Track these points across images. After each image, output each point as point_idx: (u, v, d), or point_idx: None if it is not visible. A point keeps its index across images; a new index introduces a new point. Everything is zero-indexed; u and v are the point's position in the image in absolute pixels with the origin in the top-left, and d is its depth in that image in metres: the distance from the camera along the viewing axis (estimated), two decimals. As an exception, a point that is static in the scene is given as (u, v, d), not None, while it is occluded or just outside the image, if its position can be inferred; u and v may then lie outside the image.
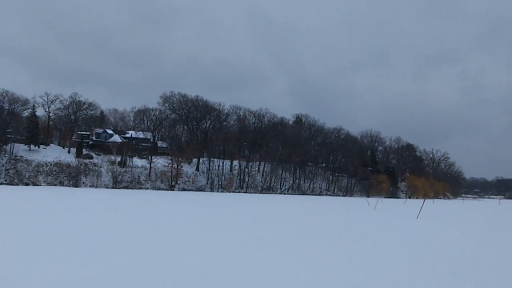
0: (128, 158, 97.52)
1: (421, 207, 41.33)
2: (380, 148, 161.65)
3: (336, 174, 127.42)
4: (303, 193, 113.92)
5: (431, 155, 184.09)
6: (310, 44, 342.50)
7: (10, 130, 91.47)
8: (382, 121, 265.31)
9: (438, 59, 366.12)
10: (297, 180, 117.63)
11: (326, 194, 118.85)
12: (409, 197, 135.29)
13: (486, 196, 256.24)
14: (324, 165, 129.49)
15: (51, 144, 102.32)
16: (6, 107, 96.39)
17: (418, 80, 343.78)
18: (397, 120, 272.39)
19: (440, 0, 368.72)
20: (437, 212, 50.86)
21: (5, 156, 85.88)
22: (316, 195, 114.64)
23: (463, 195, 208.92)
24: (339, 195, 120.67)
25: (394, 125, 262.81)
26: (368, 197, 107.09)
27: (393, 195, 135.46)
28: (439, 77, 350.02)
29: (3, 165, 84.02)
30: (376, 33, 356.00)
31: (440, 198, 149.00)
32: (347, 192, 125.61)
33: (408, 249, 16.69)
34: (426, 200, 60.86)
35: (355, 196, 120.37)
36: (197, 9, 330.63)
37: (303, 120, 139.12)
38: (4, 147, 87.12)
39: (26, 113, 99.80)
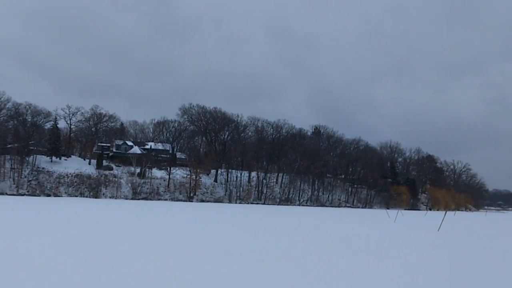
0: (147, 169, 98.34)
1: (443, 219, 40.57)
2: (399, 159, 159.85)
3: (355, 186, 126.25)
4: (322, 205, 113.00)
5: (452, 167, 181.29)
6: (329, 54, 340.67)
7: (32, 142, 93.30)
8: (402, 132, 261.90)
9: (461, 69, 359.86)
10: (315, 192, 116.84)
11: (345, 206, 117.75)
12: (430, 209, 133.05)
13: (510, 208, 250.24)
14: (343, 176, 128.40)
15: (72, 156, 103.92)
16: (29, 120, 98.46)
17: (439, 90, 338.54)
18: (417, 130, 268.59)
19: (462, 9, 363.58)
20: (459, 225, 49.90)
21: (27, 168, 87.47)
22: (335, 206, 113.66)
23: (486, 207, 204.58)
24: (359, 207, 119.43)
25: (414, 136, 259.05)
26: (387, 209, 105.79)
27: (413, 207, 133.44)
28: (461, 87, 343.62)
29: (25, 177, 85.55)
30: (397, 43, 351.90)
31: (462, 210, 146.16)
32: (367, 204, 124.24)
33: (430, 262, 16.36)
34: (448, 212, 59.77)
35: (375, 208, 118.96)
36: (216, 21, 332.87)
37: (322, 131, 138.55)
38: (27, 158, 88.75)
39: (48, 125, 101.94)
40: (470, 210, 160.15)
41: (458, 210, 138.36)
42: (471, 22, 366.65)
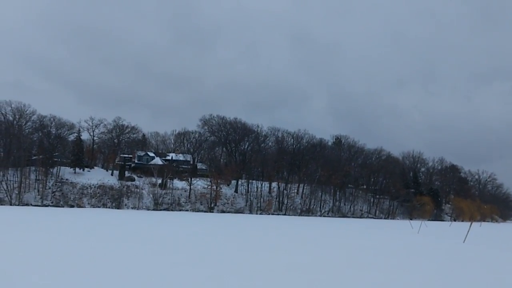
0: (168, 180, 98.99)
1: (468, 231, 39.66)
2: (422, 169, 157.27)
3: (378, 196, 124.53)
4: (344, 216, 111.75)
5: (476, 176, 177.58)
6: (353, 62, 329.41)
7: (56, 153, 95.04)
8: (425, 141, 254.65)
9: (490, 75, 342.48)
10: (337, 203, 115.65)
11: (367, 217, 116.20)
12: (454, 220, 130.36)
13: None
14: (364, 187, 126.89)
15: (95, 167, 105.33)
16: (53, 132, 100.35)
17: (467, 97, 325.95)
18: (441, 140, 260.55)
19: (492, 12, 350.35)
20: (485, 236, 48.79)
21: (51, 179, 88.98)
22: (357, 217, 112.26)
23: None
24: (381, 218, 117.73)
25: (438, 145, 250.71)
26: (411, 219, 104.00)
27: (437, 217, 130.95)
28: (490, 93, 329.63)
29: (49, 188, 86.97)
30: (424, 49, 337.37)
31: (488, 221, 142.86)
32: (389, 214, 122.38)
33: (457, 275, 15.93)
34: (473, 223, 58.28)
35: (397, 219, 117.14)
36: (238, 30, 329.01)
37: (343, 141, 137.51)
38: (51, 170, 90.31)
39: (72, 137, 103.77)
40: (496, 221, 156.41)
41: (484, 221, 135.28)
42: (501, 25, 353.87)
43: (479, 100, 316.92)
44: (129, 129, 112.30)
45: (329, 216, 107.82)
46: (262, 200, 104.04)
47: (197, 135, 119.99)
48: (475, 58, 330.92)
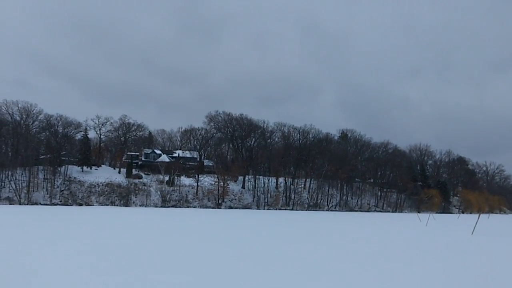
0: (176, 177, 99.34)
1: (476, 223, 39.56)
2: (429, 162, 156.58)
3: (385, 190, 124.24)
4: (351, 210, 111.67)
5: (484, 168, 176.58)
6: (363, 51, 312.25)
7: (64, 152, 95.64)
8: (434, 133, 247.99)
9: (506, 63, 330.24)
10: (344, 197, 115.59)
11: (375, 211, 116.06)
12: (462, 212, 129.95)
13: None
14: (372, 180, 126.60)
15: (102, 165, 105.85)
16: (60, 131, 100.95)
17: (480, 86, 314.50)
18: (450, 131, 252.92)
19: None
20: (493, 228, 48.64)
21: (59, 178, 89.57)
22: (365, 211, 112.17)
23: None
24: (389, 211, 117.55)
25: (446, 137, 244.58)
26: (418, 212, 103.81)
27: (445, 210, 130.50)
28: (504, 83, 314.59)
29: (58, 186, 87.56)
30: (437, 36, 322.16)
31: (496, 213, 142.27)
32: (397, 208, 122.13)
33: (466, 267, 15.92)
34: (481, 215, 57.81)
35: (405, 212, 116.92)
36: (246, 20, 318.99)
37: (349, 135, 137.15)
38: (59, 169, 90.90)
39: (79, 136, 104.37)
40: (504, 212, 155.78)
41: (492, 212, 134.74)
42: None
43: (492, 89, 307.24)
44: (135, 127, 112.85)
45: (337, 210, 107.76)
46: (269, 195, 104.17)
47: (203, 132, 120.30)
48: (491, 45, 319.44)
